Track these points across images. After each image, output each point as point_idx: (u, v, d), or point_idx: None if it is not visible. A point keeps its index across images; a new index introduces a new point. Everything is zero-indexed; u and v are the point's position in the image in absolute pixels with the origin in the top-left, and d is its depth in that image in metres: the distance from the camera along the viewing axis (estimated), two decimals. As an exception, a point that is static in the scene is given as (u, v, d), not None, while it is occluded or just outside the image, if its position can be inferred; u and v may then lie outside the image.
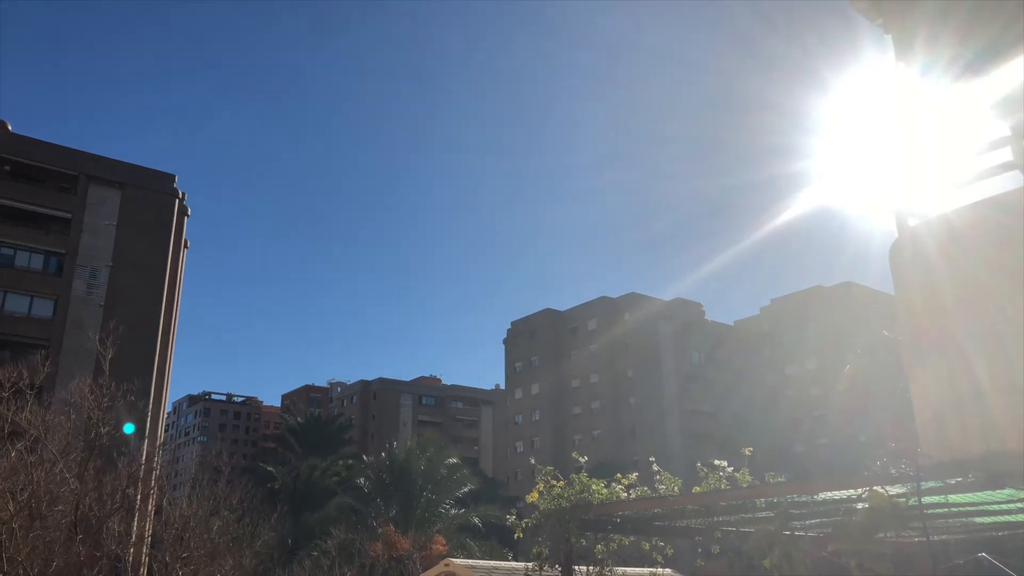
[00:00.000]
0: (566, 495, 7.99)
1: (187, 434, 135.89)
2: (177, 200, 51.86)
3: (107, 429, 19.82)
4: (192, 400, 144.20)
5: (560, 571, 8.15)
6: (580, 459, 8.94)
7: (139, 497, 22.38)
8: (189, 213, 53.62)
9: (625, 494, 7.82)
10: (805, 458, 68.73)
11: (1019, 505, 6.42)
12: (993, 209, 3.83)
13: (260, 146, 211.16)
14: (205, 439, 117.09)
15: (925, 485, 4.63)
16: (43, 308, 46.48)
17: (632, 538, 8.78)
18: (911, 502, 4.81)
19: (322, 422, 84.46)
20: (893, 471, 4.89)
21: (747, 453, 8.03)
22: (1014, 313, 3.54)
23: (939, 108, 4.16)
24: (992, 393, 3.63)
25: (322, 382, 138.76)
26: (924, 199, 4.16)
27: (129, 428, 23.22)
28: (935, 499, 5.18)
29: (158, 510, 24.72)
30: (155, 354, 46.38)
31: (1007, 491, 5.37)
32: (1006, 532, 8.43)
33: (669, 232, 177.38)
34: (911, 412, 4.28)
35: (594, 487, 7.92)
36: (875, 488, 4.90)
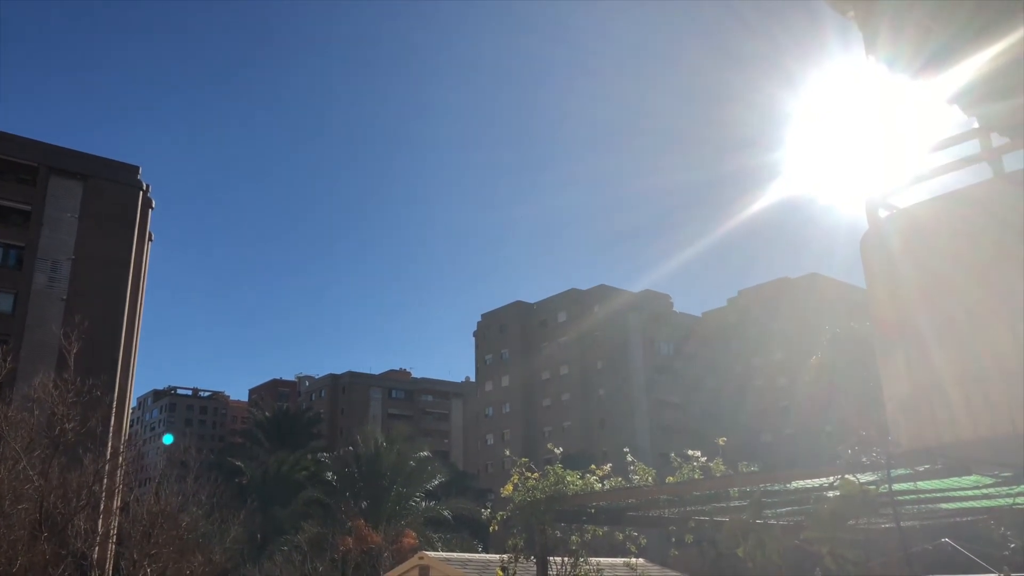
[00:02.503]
0: (540, 487, 8.02)
1: (153, 429, 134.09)
2: (141, 192, 51.01)
3: (72, 425, 19.48)
4: (157, 395, 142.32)
5: (535, 563, 8.19)
6: (555, 450, 8.98)
7: (104, 494, 22.06)
8: (154, 206, 52.80)
9: (599, 485, 7.87)
10: (772, 448, 69.63)
11: (983, 491, 6.58)
12: (956, 203, 3.91)
13: (227, 139, 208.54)
14: (171, 435, 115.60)
15: (895, 473, 4.72)
16: (3, 302, 45.52)
17: (606, 529, 8.84)
18: (881, 489, 4.90)
19: (291, 416, 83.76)
20: (864, 459, 4.97)
21: (721, 443, 8.11)
22: (974, 306, 3.62)
23: (908, 101, 4.22)
24: (954, 383, 3.71)
25: (290, 376, 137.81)
26: (895, 191, 4.23)
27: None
28: (904, 486, 5.29)
29: (124, 507, 24.38)
30: (119, 349, 45.67)
31: (973, 477, 5.49)
32: (969, 518, 8.64)
33: (639, 225, 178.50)
34: (879, 401, 4.35)
35: (569, 478, 7.95)
36: (846, 476, 4.99)
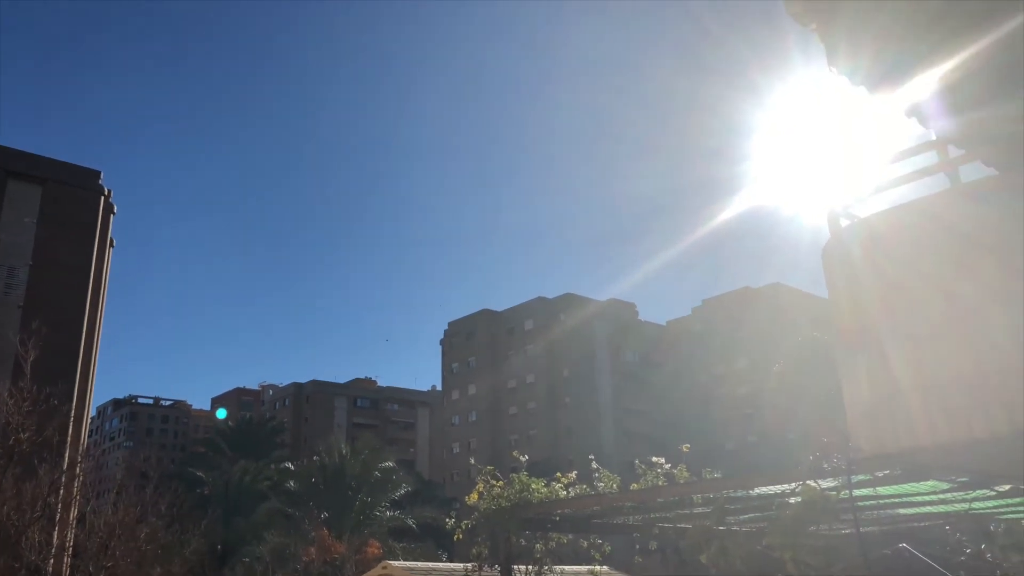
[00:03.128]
0: (505, 495, 7.99)
1: (112, 439, 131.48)
2: (102, 197, 50.10)
3: (27, 435, 19.03)
4: (117, 404, 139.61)
5: (499, 571, 8.15)
6: (521, 458, 8.96)
7: (60, 505, 21.55)
8: (115, 211, 51.88)
9: (565, 492, 7.86)
10: (735, 456, 70.27)
11: (940, 496, 6.69)
12: (914, 214, 3.98)
13: (190, 143, 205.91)
14: (131, 444, 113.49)
15: (855, 478, 4.78)
16: (-43, 309, 44.33)
17: (571, 536, 8.84)
18: (842, 495, 4.96)
19: (254, 425, 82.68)
20: (825, 465, 5.03)
21: (685, 450, 8.16)
22: (932, 315, 3.69)
23: (868, 113, 4.29)
24: (913, 390, 3.76)
25: (254, 385, 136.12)
26: (857, 201, 4.29)
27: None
28: (865, 491, 5.36)
29: (81, 518, 23.84)
30: (78, 356, 44.71)
31: (931, 483, 5.59)
32: (926, 523, 8.78)
33: (606, 233, 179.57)
34: (840, 408, 4.41)
35: (534, 486, 7.94)
36: (808, 482, 5.04)
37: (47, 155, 54.26)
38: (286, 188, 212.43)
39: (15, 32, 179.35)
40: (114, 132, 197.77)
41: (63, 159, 51.58)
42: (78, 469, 22.97)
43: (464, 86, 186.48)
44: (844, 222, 4.28)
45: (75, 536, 23.17)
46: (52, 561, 20.91)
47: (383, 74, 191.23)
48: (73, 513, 23.86)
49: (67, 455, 22.80)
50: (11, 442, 18.98)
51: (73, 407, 37.58)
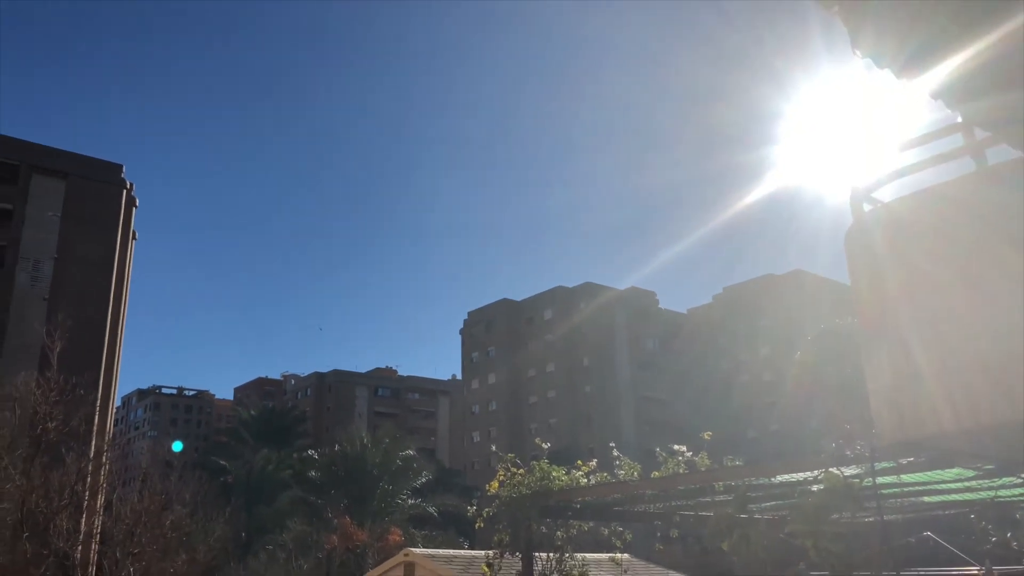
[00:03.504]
0: (526, 483, 8.01)
1: (137, 428, 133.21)
2: (124, 191, 50.61)
3: (54, 424, 19.33)
4: (142, 394, 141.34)
5: (520, 558, 8.18)
6: (543, 445, 8.97)
7: (87, 493, 21.88)
8: (137, 204, 52.39)
9: (585, 480, 7.87)
10: (757, 444, 70.06)
11: (965, 484, 6.63)
12: (938, 198, 3.93)
13: (212, 136, 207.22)
14: (155, 434, 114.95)
15: (878, 466, 4.75)
16: (-16, 301, 45.04)
17: (591, 524, 8.85)
18: (865, 482, 4.93)
19: (276, 414, 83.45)
20: (848, 452, 5.00)
21: (706, 438, 8.13)
22: (955, 299, 3.65)
23: (893, 97, 4.24)
24: (936, 376, 3.73)
25: (276, 375, 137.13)
26: (880, 186, 4.25)
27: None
28: (888, 479, 5.32)
29: (108, 506, 24.21)
30: (103, 348, 45.30)
31: (955, 470, 5.54)
32: (952, 511, 8.70)
33: (625, 222, 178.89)
34: (862, 395, 4.38)
35: (554, 474, 7.95)
36: (830, 470, 5.01)
37: (70, 149, 54.82)
38: (307, 180, 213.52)
39: (38, 26, 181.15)
40: (137, 125, 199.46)
41: (86, 153, 52.15)
42: (104, 458, 23.31)
43: (483, 76, 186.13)
44: (867, 207, 4.23)
45: (102, 523, 23.54)
46: (80, 548, 21.26)
47: (406, 67, 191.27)
48: (100, 501, 24.24)
49: (93, 444, 23.15)
50: (39, 431, 19.30)
51: (99, 397, 38.11)
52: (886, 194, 4.20)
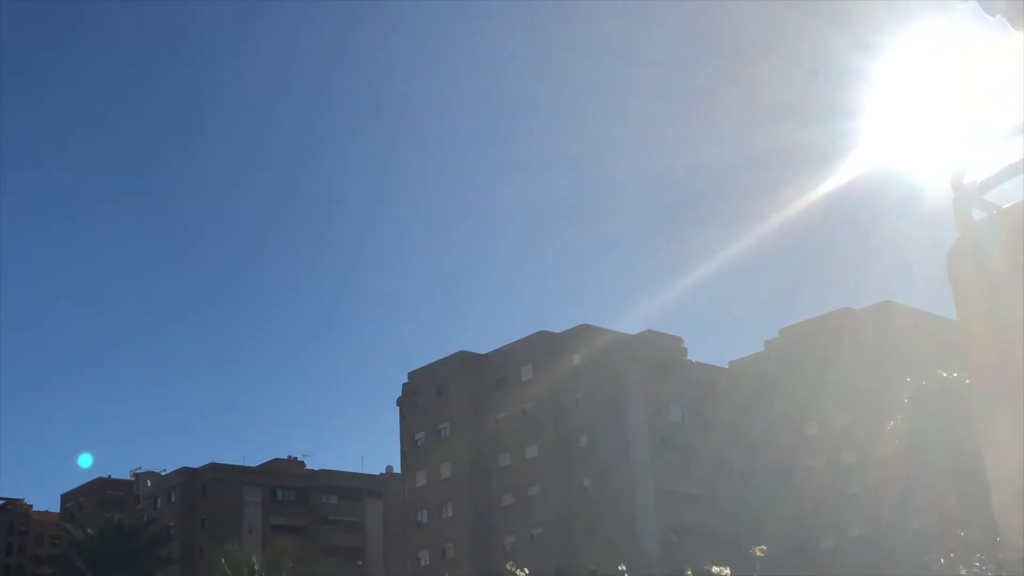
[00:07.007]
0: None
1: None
2: None
3: None
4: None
5: None
6: (519, 573, 8.92)
7: None
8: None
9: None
10: (834, 557, 70.16)
11: None
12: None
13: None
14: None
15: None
16: None
17: None
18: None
19: (124, 533, 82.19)
20: (963, 571, 5.02)
21: (759, 553, 8.15)
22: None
23: (1010, 56, 4.32)
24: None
25: (124, 473, 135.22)
26: (994, 185, 4.32)
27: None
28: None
29: None
30: None
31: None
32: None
33: (631, 232, 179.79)
34: (982, 482, 4.41)
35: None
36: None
37: None
38: (164, 215, 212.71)
39: None
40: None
41: None
42: None
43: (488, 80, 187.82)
44: (979, 215, 4.30)
45: None
46: None
47: (397, 69, 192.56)
48: None
49: None
50: None
51: None
52: (1004, 195, 4.27)
